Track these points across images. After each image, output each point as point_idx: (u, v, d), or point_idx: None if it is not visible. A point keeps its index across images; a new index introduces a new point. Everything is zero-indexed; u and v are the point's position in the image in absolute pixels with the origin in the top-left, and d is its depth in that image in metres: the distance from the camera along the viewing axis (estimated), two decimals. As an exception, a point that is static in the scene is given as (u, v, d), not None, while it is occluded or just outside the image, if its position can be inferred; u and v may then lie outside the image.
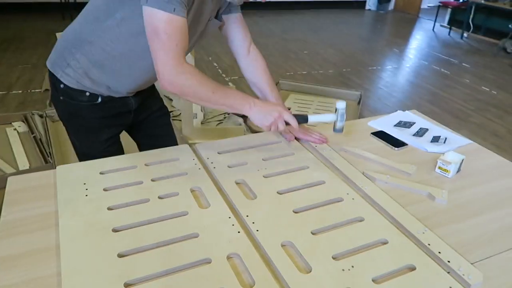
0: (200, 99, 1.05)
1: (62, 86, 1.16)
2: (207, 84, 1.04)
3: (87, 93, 1.17)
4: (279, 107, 1.11)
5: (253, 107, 1.08)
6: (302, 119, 1.16)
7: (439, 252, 0.84)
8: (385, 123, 1.45)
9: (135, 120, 1.34)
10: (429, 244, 0.87)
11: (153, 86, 1.40)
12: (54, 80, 1.17)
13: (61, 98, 1.19)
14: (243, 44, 1.29)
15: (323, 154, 1.21)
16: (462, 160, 1.16)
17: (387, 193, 1.04)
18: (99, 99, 1.18)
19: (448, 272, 0.80)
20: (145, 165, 1.11)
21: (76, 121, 1.24)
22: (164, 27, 0.94)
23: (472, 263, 0.82)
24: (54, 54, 1.18)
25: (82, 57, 1.12)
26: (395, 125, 1.44)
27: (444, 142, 1.32)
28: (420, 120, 1.49)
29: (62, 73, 1.15)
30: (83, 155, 1.26)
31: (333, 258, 0.82)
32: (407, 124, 1.45)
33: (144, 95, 1.32)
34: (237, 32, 1.27)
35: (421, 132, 1.39)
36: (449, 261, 0.82)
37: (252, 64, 1.31)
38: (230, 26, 1.25)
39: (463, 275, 0.79)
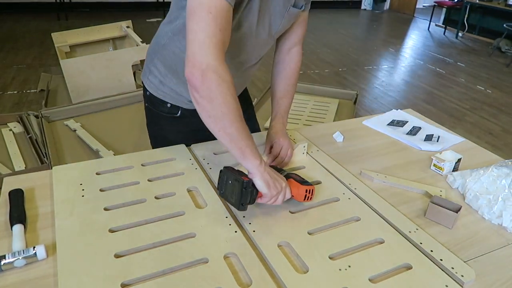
0: (214, 116, 0.84)
1: (148, 93, 1.19)
2: (234, 106, 0.84)
3: (168, 104, 1.17)
4: (283, 181, 0.93)
5: (265, 167, 0.89)
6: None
7: (431, 251, 0.85)
8: (379, 122, 1.46)
9: None
10: (421, 243, 0.87)
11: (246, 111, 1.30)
12: (143, 87, 1.20)
13: (146, 104, 1.22)
14: (289, 42, 1.17)
15: (320, 155, 1.22)
16: (459, 160, 1.17)
17: (384, 192, 1.05)
18: (179, 113, 1.16)
19: (443, 270, 0.81)
20: (142, 165, 1.11)
21: (155, 129, 1.25)
22: (208, 4, 0.80)
23: (465, 261, 0.83)
24: (145, 60, 1.19)
25: (158, 63, 1.12)
26: (388, 124, 1.45)
27: (437, 141, 1.33)
28: (412, 119, 1.50)
29: (146, 80, 1.18)
30: None
31: (330, 258, 0.82)
32: (400, 123, 1.46)
33: None
34: (293, 29, 1.14)
35: (414, 131, 1.40)
36: (441, 260, 0.83)
37: (282, 62, 1.19)
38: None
39: (456, 273, 0.79)
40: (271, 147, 1.14)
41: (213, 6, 0.80)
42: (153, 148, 1.29)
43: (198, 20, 0.81)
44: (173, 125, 1.21)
